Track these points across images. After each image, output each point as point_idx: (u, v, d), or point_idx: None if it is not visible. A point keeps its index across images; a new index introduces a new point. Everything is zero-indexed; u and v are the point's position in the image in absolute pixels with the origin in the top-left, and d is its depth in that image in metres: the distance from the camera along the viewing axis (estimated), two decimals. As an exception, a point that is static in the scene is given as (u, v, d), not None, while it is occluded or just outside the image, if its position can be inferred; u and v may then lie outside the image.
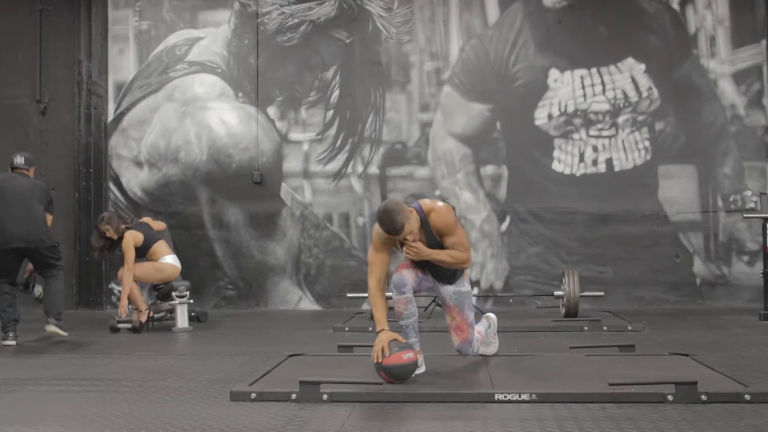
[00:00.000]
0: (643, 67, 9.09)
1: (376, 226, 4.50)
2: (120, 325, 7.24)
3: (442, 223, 4.53)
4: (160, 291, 7.57)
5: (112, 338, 6.88)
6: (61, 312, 6.55)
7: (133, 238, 7.38)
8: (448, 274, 4.70)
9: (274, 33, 9.33)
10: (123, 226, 7.46)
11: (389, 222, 4.33)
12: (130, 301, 7.40)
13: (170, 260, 7.53)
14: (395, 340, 4.40)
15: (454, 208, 4.64)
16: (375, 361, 4.35)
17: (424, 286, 4.76)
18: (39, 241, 6.53)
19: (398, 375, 4.33)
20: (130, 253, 7.33)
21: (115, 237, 7.46)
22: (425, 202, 4.58)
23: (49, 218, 6.81)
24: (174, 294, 7.33)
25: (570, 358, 5.20)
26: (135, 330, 7.14)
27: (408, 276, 4.60)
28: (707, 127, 9.08)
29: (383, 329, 4.44)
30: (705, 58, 9.11)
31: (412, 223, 4.41)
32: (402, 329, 4.64)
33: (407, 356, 4.35)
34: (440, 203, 4.59)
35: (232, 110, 9.35)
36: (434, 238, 4.55)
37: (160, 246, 7.54)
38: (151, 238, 7.51)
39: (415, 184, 9.22)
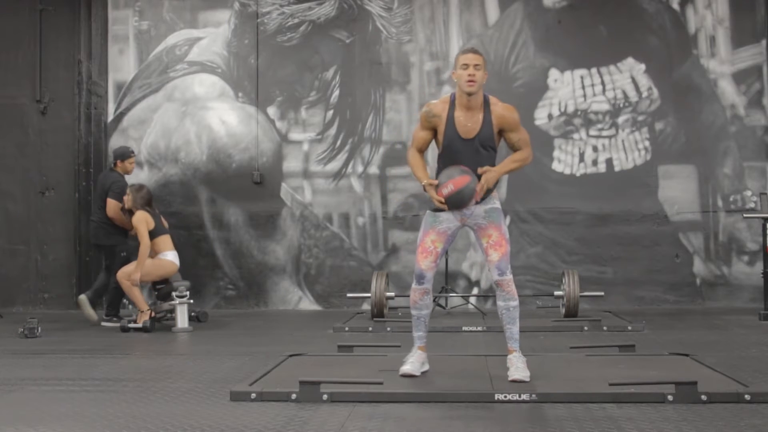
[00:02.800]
0: (643, 67, 9.09)
1: (427, 105, 4.57)
2: (130, 325, 7.24)
3: (509, 115, 4.53)
4: (160, 291, 7.58)
5: (112, 338, 6.88)
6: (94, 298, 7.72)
7: (144, 219, 7.39)
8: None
9: (274, 33, 9.33)
10: (140, 203, 7.45)
11: (470, 47, 4.57)
12: (132, 302, 7.42)
13: (171, 257, 7.53)
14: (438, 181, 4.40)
15: None
16: (441, 195, 4.34)
17: (445, 251, 4.78)
18: (93, 239, 8.12)
19: (461, 196, 4.32)
20: (142, 228, 7.33)
21: (127, 207, 7.52)
22: (494, 98, 4.58)
23: (110, 204, 7.74)
24: (174, 294, 7.33)
25: (570, 358, 5.20)
26: (146, 330, 7.14)
27: (428, 267, 4.55)
28: (707, 127, 9.08)
29: (426, 181, 4.45)
30: (705, 58, 9.11)
31: (483, 73, 4.45)
32: (413, 319, 4.65)
33: (456, 179, 4.33)
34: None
35: (232, 110, 9.35)
36: (490, 129, 4.50)
37: (165, 240, 7.54)
38: (160, 228, 7.54)
39: (415, 184, 9.19)
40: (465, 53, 4.50)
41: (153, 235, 7.45)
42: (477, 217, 4.57)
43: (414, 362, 4.60)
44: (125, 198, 7.57)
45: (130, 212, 7.52)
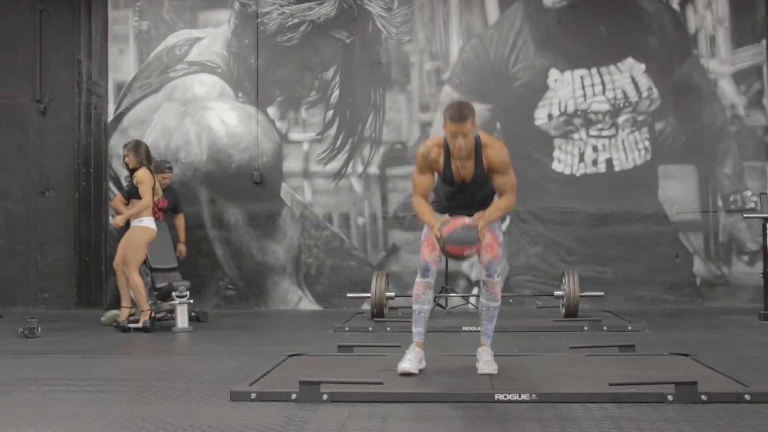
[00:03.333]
0: (643, 67, 9.09)
1: (422, 149, 4.62)
2: (130, 325, 7.24)
3: (498, 159, 4.56)
4: (160, 291, 7.58)
5: (112, 338, 6.88)
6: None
7: (148, 177, 7.32)
8: (482, 206, 4.66)
9: (274, 33, 9.33)
10: (143, 159, 7.36)
11: (457, 108, 4.43)
12: (134, 303, 7.38)
13: (147, 222, 7.31)
14: (445, 221, 4.43)
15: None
16: (438, 238, 4.36)
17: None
18: None
19: (459, 238, 4.33)
20: (147, 186, 7.27)
21: (131, 166, 7.39)
22: (484, 135, 4.62)
23: (179, 219, 8.39)
24: (174, 294, 7.33)
25: (570, 358, 5.20)
26: (146, 330, 7.14)
27: (433, 260, 4.62)
28: (707, 127, 9.08)
29: (435, 223, 4.47)
30: (705, 58, 9.11)
31: (470, 136, 4.44)
32: (414, 313, 4.68)
33: (461, 221, 4.35)
34: (498, 140, 4.69)
35: (232, 110, 9.35)
36: (483, 170, 4.55)
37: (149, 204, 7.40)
38: (152, 191, 7.42)
39: (415, 184, 9.21)
40: (451, 120, 4.45)
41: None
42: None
43: (412, 359, 4.60)
44: (126, 158, 7.40)
45: (133, 170, 7.37)
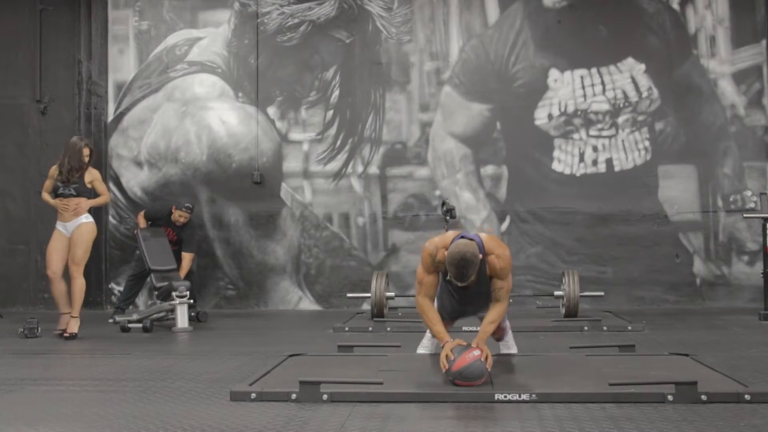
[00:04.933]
0: (643, 67, 9.09)
1: (429, 248, 4.58)
2: (130, 325, 7.24)
3: (500, 267, 4.57)
4: (161, 290, 7.58)
5: (112, 338, 6.88)
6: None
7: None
8: (484, 306, 4.74)
9: (274, 33, 9.33)
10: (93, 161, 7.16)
11: (463, 272, 4.34)
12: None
13: (84, 218, 6.97)
14: (457, 345, 4.41)
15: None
16: (444, 370, 4.35)
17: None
18: None
19: (471, 375, 4.27)
20: (102, 184, 7.20)
21: (85, 166, 7.06)
22: (488, 241, 4.58)
23: (185, 260, 8.19)
24: (174, 294, 7.33)
25: (570, 358, 5.20)
26: (146, 330, 7.14)
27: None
28: (707, 127, 9.07)
29: (447, 341, 4.46)
30: (705, 58, 9.11)
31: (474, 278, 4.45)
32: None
33: (471, 355, 4.31)
34: (503, 245, 4.63)
35: (232, 110, 9.35)
36: (486, 278, 4.57)
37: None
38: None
39: (415, 184, 9.22)
40: (455, 279, 4.42)
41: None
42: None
43: (428, 346, 4.93)
44: (85, 158, 7.07)
45: (79, 170, 7.00)
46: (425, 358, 5.04)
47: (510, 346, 5.25)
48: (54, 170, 7.09)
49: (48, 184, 7.13)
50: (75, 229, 6.94)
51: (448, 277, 4.53)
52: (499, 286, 4.60)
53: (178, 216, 8.12)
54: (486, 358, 4.34)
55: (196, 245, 8.46)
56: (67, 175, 6.96)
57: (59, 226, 7.00)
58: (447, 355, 4.34)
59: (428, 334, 5.15)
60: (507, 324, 5.17)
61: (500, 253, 4.57)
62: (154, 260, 7.81)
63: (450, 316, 4.79)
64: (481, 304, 4.76)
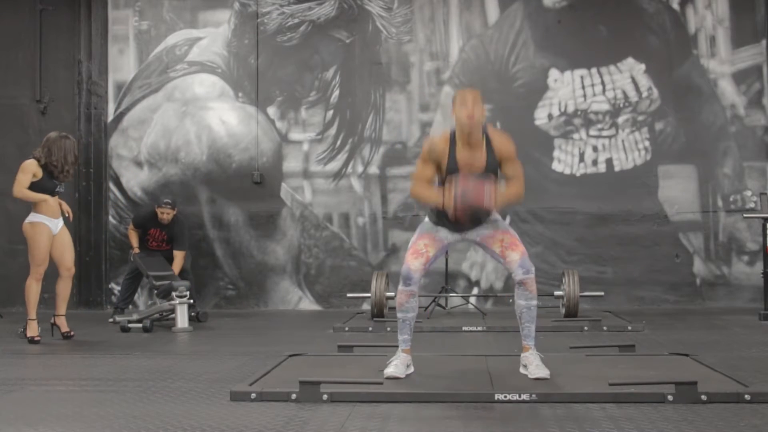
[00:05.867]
0: (643, 67, 9.09)
1: (428, 141, 4.60)
2: (131, 325, 7.24)
3: (508, 146, 4.53)
4: (160, 289, 7.58)
5: (112, 338, 6.88)
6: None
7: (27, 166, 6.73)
8: (483, 218, 4.54)
9: (274, 33, 9.33)
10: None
11: (469, 97, 4.42)
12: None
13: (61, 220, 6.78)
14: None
15: None
16: (450, 203, 4.23)
17: (436, 259, 4.67)
18: None
19: (472, 195, 4.21)
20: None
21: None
22: (490, 128, 4.60)
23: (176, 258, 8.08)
24: (174, 294, 7.33)
25: (570, 358, 5.20)
26: (146, 330, 7.14)
27: (416, 269, 4.48)
28: (707, 127, 9.08)
29: (445, 195, 4.33)
30: (705, 58, 9.11)
31: (480, 112, 4.43)
32: (398, 322, 4.57)
33: (467, 181, 4.24)
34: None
35: (232, 110, 9.35)
36: (494, 158, 4.49)
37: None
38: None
39: (415, 184, 9.21)
40: (461, 92, 4.51)
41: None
42: (479, 229, 4.58)
43: (398, 365, 4.52)
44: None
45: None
46: (425, 358, 5.03)
47: (541, 369, 4.52)
48: (34, 166, 6.69)
49: (26, 179, 6.69)
50: (61, 230, 6.76)
51: (448, 167, 4.43)
52: (512, 169, 4.50)
53: (161, 213, 8.08)
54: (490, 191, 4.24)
55: (188, 242, 8.39)
56: (65, 174, 6.73)
57: (48, 221, 6.71)
58: (448, 191, 4.25)
59: (398, 351, 4.63)
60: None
61: (503, 135, 4.58)
62: (151, 269, 7.87)
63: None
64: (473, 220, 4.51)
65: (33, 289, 6.67)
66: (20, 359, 5.78)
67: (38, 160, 6.70)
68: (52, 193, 6.74)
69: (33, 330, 6.54)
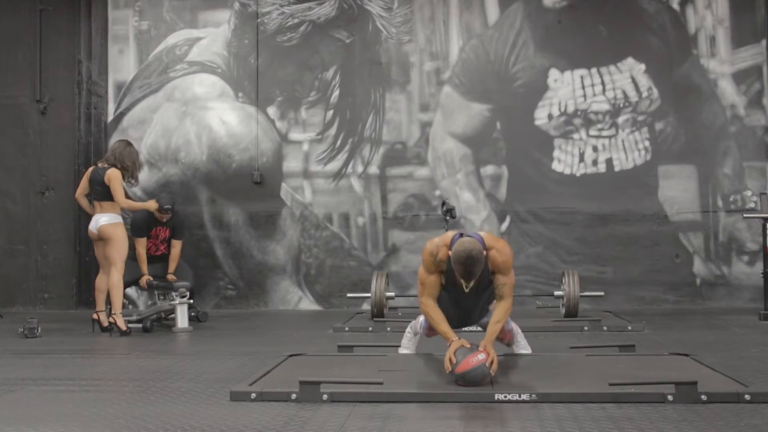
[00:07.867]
0: (643, 67, 9.09)
1: (429, 248, 4.57)
2: (130, 325, 7.23)
3: (502, 260, 4.57)
4: (158, 282, 7.60)
5: (112, 338, 6.88)
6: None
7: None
8: (481, 313, 4.81)
9: (274, 33, 9.33)
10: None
11: (470, 269, 4.34)
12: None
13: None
14: (462, 347, 4.40)
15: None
16: (448, 371, 4.35)
17: None
18: None
19: (474, 379, 4.26)
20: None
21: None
22: (487, 238, 4.59)
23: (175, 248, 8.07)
24: (174, 294, 7.33)
25: (570, 358, 5.20)
26: (146, 330, 7.15)
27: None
28: (707, 127, 9.08)
29: (453, 341, 4.46)
30: (705, 58, 9.11)
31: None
32: (425, 331, 4.97)
33: (475, 359, 4.29)
34: (502, 240, 4.67)
35: (232, 110, 9.35)
36: (488, 273, 4.56)
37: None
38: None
39: (415, 184, 9.22)
40: (461, 277, 4.42)
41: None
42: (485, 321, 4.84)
43: (409, 346, 5.01)
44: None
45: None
46: (425, 358, 5.04)
47: (523, 347, 5.18)
48: (118, 174, 7.08)
49: (122, 189, 7.17)
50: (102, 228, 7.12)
51: (445, 282, 4.56)
52: (503, 281, 4.59)
53: (161, 218, 7.92)
54: (491, 363, 4.31)
55: (186, 232, 8.33)
56: (136, 178, 7.31)
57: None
58: (450, 358, 4.34)
59: (408, 334, 5.19)
60: (514, 327, 5.09)
61: (500, 247, 4.58)
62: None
63: (452, 324, 4.72)
64: (484, 307, 4.75)
65: (121, 284, 7.07)
66: (20, 359, 5.78)
67: (120, 169, 7.13)
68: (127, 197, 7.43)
69: (122, 323, 6.90)
